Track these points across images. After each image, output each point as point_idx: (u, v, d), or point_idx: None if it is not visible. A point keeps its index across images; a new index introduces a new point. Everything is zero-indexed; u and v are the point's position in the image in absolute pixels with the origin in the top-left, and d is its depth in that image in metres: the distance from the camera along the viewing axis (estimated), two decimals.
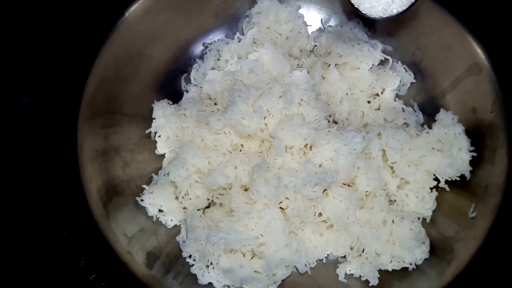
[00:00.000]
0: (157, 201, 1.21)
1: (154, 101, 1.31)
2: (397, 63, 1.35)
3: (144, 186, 1.23)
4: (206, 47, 1.39)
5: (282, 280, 1.16)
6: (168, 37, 1.33)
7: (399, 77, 1.31)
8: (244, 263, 1.13)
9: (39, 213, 1.10)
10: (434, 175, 1.20)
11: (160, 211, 1.22)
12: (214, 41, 1.40)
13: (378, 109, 1.31)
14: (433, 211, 1.20)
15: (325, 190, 1.14)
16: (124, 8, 1.23)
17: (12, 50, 1.28)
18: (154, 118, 1.30)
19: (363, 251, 1.16)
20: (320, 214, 1.15)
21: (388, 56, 1.34)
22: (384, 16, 1.08)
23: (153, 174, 1.27)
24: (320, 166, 1.14)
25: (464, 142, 1.17)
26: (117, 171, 1.21)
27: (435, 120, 1.23)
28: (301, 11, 1.41)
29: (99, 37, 1.20)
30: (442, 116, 1.22)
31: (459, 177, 1.18)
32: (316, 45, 1.40)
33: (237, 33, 1.39)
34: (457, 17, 1.21)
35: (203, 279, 1.14)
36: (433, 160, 1.17)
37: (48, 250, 1.15)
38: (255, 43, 1.38)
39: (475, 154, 1.17)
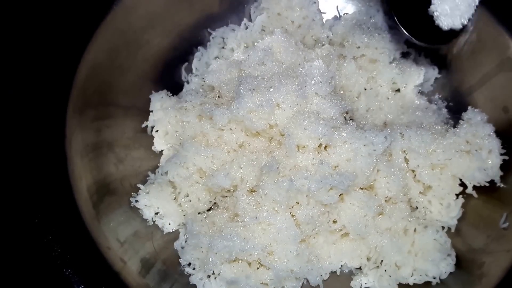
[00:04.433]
0: (154, 203, 1.18)
1: (151, 92, 1.27)
2: (420, 56, 1.29)
3: (139, 185, 1.19)
4: (210, 34, 1.35)
5: None
6: (168, 21, 1.29)
7: (422, 72, 1.26)
8: (250, 274, 1.09)
9: (21, 215, 1.04)
10: (460, 180, 1.14)
11: (157, 213, 1.18)
12: (219, 28, 1.35)
13: (399, 106, 1.25)
14: (458, 220, 1.14)
15: (341, 194, 1.08)
16: None
17: None
18: (152, 111, 1.26)
19: (381, 263, 1.11)
20: (335, 221, 1.10)
21: (411, 48, 1.29)
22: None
23: (149, 173, 1.23)
24: (335, 168, 1.08)
25: (495, 144, 1.12)
26: (109, 168, 1.17)
27: (462, 120, 1.17)
28: None
29: (92, 19, 1.16)
30: (470, 115, 1.16)
31: (488, 182, 1.12)
32: (331, 35, 1.34)
33: (244, 19, 1.36)
34: (488, 7, 1.14)
35: None
36: (460, 163, 1.12)
37: (30, 257, 1.08)
38: (264, 31, 1.34)
39: (506, 157, 1.11)
